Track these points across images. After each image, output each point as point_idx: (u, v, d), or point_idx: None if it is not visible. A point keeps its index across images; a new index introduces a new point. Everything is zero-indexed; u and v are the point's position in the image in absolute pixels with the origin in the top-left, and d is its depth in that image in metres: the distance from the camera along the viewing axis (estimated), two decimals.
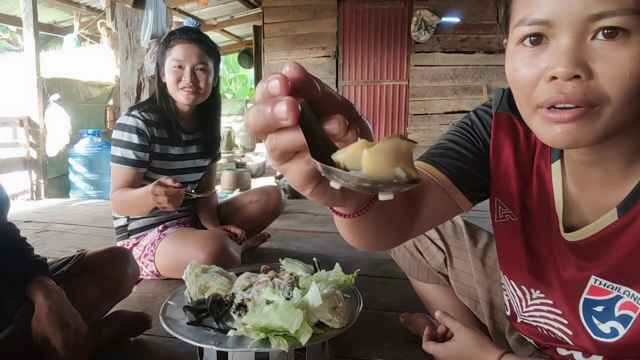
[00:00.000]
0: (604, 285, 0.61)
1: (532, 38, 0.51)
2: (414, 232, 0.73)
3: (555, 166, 0.66)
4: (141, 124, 1.68)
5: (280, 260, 1.39)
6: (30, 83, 3.99)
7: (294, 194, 3.73)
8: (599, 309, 0.62)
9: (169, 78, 1.70)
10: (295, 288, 1.14)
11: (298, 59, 6.62)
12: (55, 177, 4.25)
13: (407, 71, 6.34)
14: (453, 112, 6.08)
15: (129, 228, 1.81)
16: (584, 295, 0.64)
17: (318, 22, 6.50)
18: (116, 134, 1.69)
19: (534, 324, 0.74)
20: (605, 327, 0.62)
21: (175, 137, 1.79)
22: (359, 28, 6.42)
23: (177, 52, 1.68)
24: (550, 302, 0.70)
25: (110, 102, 5.14)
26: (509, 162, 0.70)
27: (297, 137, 0.34)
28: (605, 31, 0.46)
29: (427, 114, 6.25)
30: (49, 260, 1.25)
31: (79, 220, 3.04)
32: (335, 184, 0.34)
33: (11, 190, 4.05)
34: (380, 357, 1.23)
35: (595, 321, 0.63)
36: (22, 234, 1.12)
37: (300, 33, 6.59)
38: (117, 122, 1.72)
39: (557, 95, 0.49)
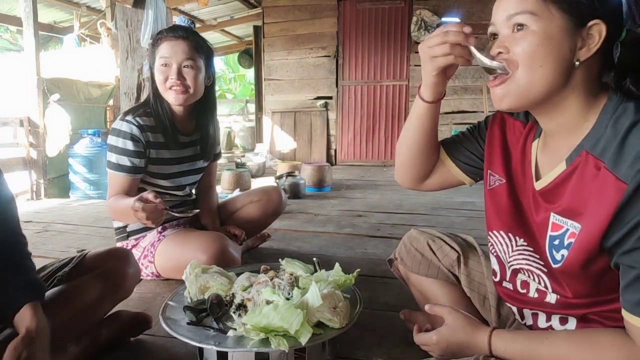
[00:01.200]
0: (559, 221, 0.78)
1: (493, 36, 0.82)
2: (431, 181, 1.07)
3: (535, 143, 0.89)
4: (135, 130, 1.63)
5: (280, 260, 1.39)
6: (30, 83, 4.00)
7: (294, 194, 3.73)
8: (557, 242, 0.79)
9: (157, 78, 1.65)
10: (295, 288, 1.14)
11: (298, 59, 6.63)
12: (55, 177, 4.25)
13: (407, 71, 6.34)
14: (453, 112, 6.08)
15: (128, 229, 1.80)
16: (549, 233, 0.81)
17: (318, 22, 6.50)
18: (111, 140, 1.66)
19: (518, 266, 0.89)
20: (558, 255, 0.79)
21: (171, 141, 1.74)
22: (359, 28, 6.42)
23: (164, 50, 1.63)
24: (531, 249, 0.86)
25: (110, 102, 5.14)
26: (498, 142, 0.96)
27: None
28: (517, 27, 0.75)
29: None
30: (49, 261, 1.25)
31: (78, 220, 3.04)
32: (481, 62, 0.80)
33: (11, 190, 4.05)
34: (380, 357, 1.23)
35: (554, 252, 0.80)
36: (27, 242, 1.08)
37: (300, 33, 6.59)
38: (112, 127, 1.69)
39: (498, 58, 0.78)
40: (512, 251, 0.90)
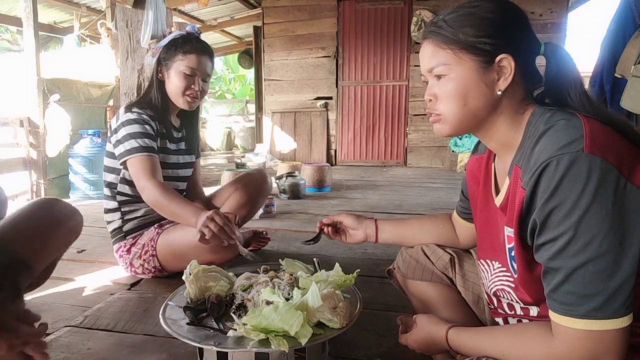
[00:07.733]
0: (509, 232, 0.82)
1: (425, 82, 0.92)
2: (463, 240, 1.19)
3: (494, 163, 0.96)
4: (146, 117, 1.74)
5: (280, 260, 1.39)
6: (30, 83, 3.99)
7: (294, 194, 3.73)
8: (512, 253, 0.83)
9: (176, 82, 1.77)
10: (295, 288, 1.14)
11: (298, 59, 6.63)
12: (55, 177, 4.25)
13: (407, 71, 6.34)
14: None
15: (124, 229, 1.81)
16: (507, 246, 0.85)
17: (318, 22, 6.50)
18: (126, 129, 1.68)
19: (495, 288, 0.93)
20: (515, 266, 0.83)
21: (170, 133, 1.87)
22: (359, 28, 6.42)
23: (193, 61, 1.76)
24: (504, 268, 0.90)
25: (110, 103, 5.14)
26: (470, 179, 1.05)
27: None
28: (437, 76, 0.86)
29: (427, 114, 6.25)
30: None
31: None
32: None
33: (11, 191, 4.05)
34: (380, 358, 1.23)
35: (513, 263, 0.84)
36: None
37: (300, 33, 6.59)
38: (122, 120, 1.71)
39: (428, 110, 0.91)
40: (491, 276, 0.95)
